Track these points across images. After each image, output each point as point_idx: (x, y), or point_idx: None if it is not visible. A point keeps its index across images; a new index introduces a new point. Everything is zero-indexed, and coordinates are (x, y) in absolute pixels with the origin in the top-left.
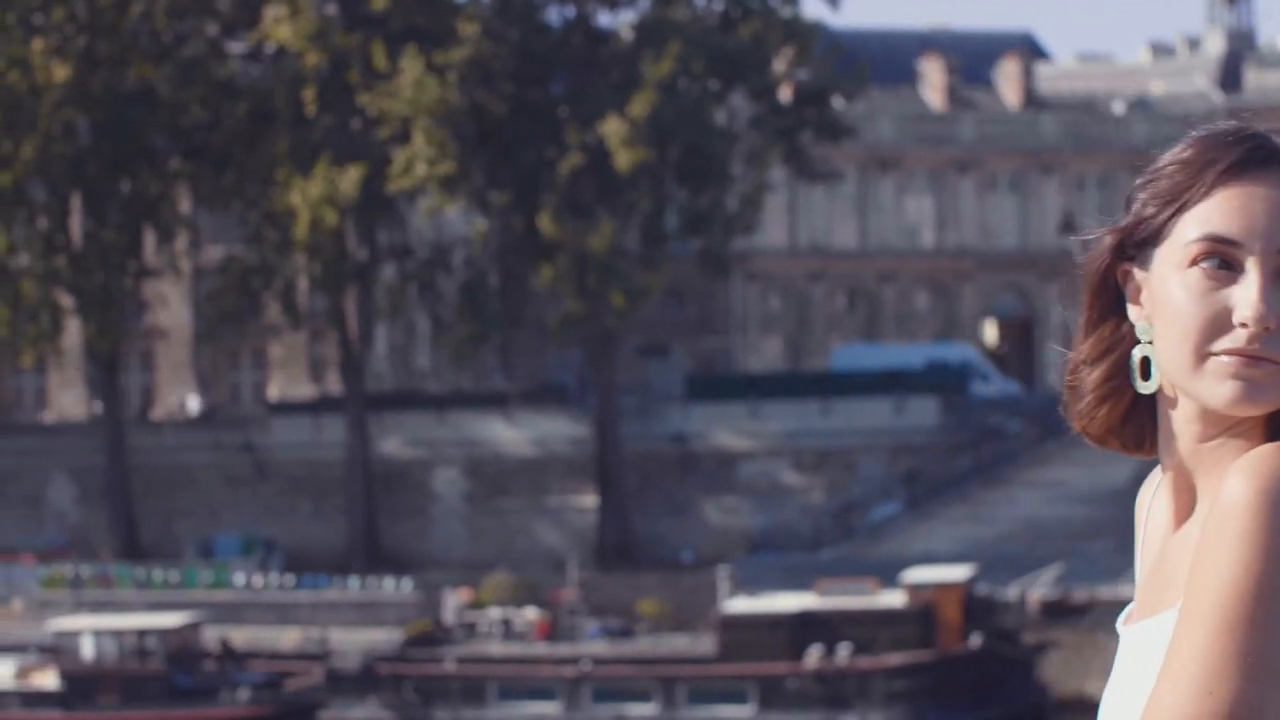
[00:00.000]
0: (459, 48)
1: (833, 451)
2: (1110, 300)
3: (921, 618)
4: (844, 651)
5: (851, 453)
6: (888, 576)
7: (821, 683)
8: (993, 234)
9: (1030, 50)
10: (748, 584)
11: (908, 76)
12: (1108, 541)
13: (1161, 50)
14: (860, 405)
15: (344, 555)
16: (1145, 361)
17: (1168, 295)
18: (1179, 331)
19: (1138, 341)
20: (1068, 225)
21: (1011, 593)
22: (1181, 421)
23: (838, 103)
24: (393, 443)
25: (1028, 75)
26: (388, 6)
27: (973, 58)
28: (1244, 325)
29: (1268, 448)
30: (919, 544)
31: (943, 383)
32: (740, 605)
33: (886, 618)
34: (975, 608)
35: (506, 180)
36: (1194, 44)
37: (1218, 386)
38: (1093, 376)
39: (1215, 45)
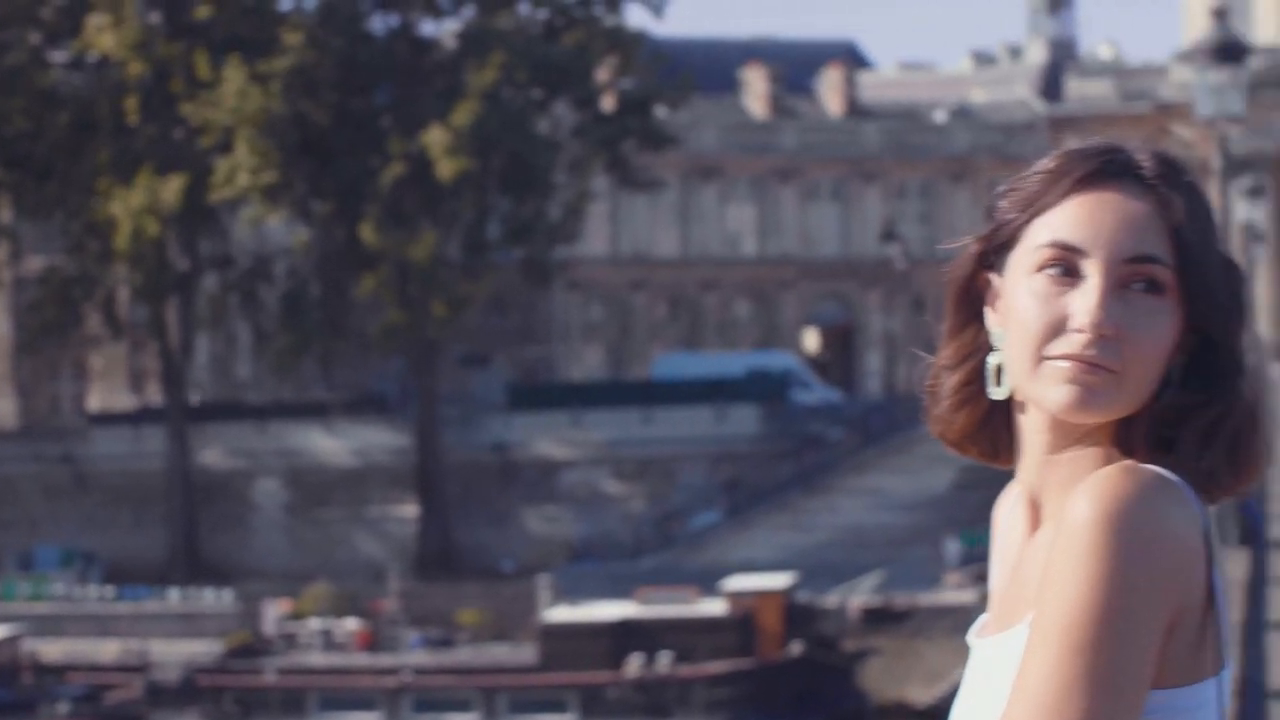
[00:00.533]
0: (282, 57)
1: (654, 460)
2: (972, 307)
3: (742, 626)
4: (665, 660)
5: (672, 461)
6: (708, 585)
7: (642, 691)
8: (814, 242)
9: (852, 59)
10: (568, 593)
11: (730, 85)
12: (927, 548)
13: (983, 59)
14: (681, 414)
15: (164, 566)
16: (1000, 368)
17: (1016, 299)
18: (1022, 335)
19: (994, 349)
20: (889, 233)
21: (832, 600)
22: (1032, 431)
23: (660, 111)
24: (213, 453)
25: (850, 84)
26: (211, 16)
27: (795, 66)
28: (1080, 331)
29: (1113, 469)
30: (739, 552)
31: (764, 391)
32: (561, 614)
33: (707, 626)
34: (796, 615)
35: (329, 190)
36: (1015, 53)
37: (1053, 390)
38: (951, 382)
39: (1037, 54)
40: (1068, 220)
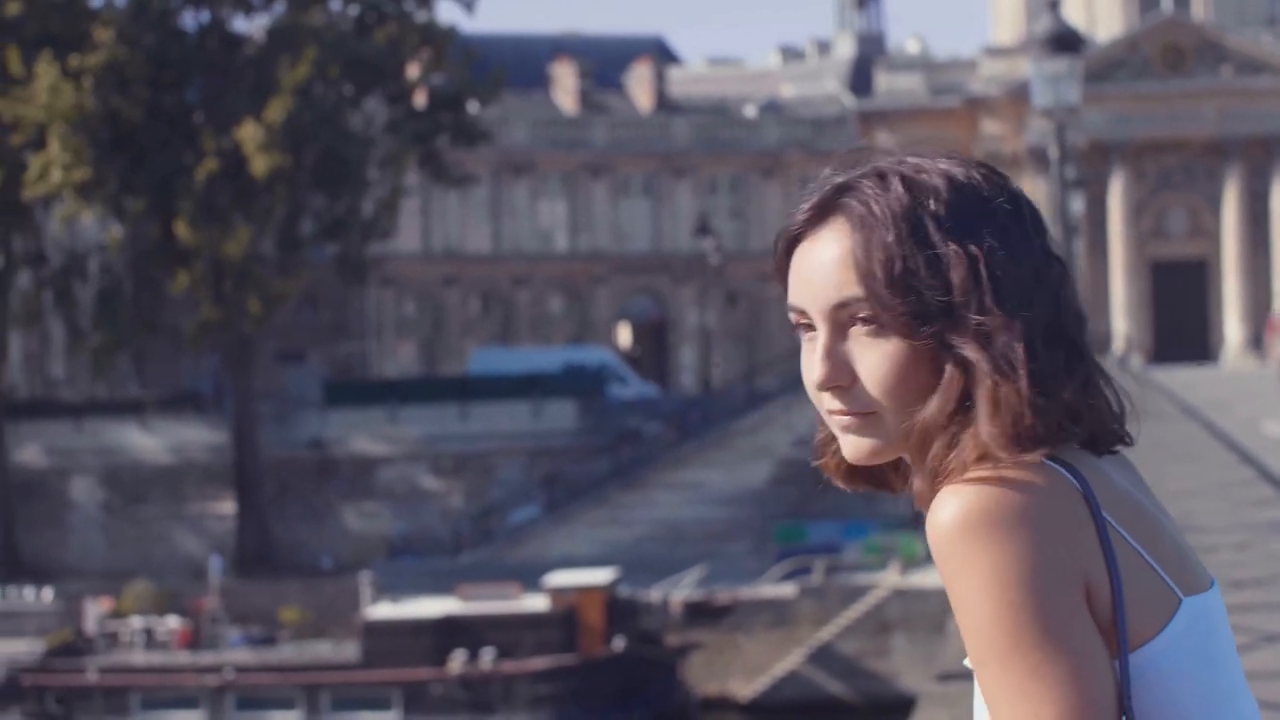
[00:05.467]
0: (94, 53)
1: (471, 455)
2: None
3: (564, 621)
4: (487, 656)
5: (490, 456)
6: (528, 580)
7: (466, 688)
8: (625, 237)
9: (661, 54)
10: (388, 589)
11: (540, 81)
12: (746, 543)
13: (791, 54)
14: (498, 409)
15: None
16: None
17: None
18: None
19: None
20: (702, 228)
21: (654, 595)
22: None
23: (472, 107)
24: (29, 452)
25: (659, 79)
26: (22, 12)
27: (604, 62)
28: (821, 388)
29: (962, 483)
30: (559, 547)
31: (580, 386)
32: (383, 611)
33: (530, 622)
34: (618, 611)
35: (142, 186)
36: (824, 48)
37: (841, 442)
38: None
39: (845, 49)
40: (791, 280)
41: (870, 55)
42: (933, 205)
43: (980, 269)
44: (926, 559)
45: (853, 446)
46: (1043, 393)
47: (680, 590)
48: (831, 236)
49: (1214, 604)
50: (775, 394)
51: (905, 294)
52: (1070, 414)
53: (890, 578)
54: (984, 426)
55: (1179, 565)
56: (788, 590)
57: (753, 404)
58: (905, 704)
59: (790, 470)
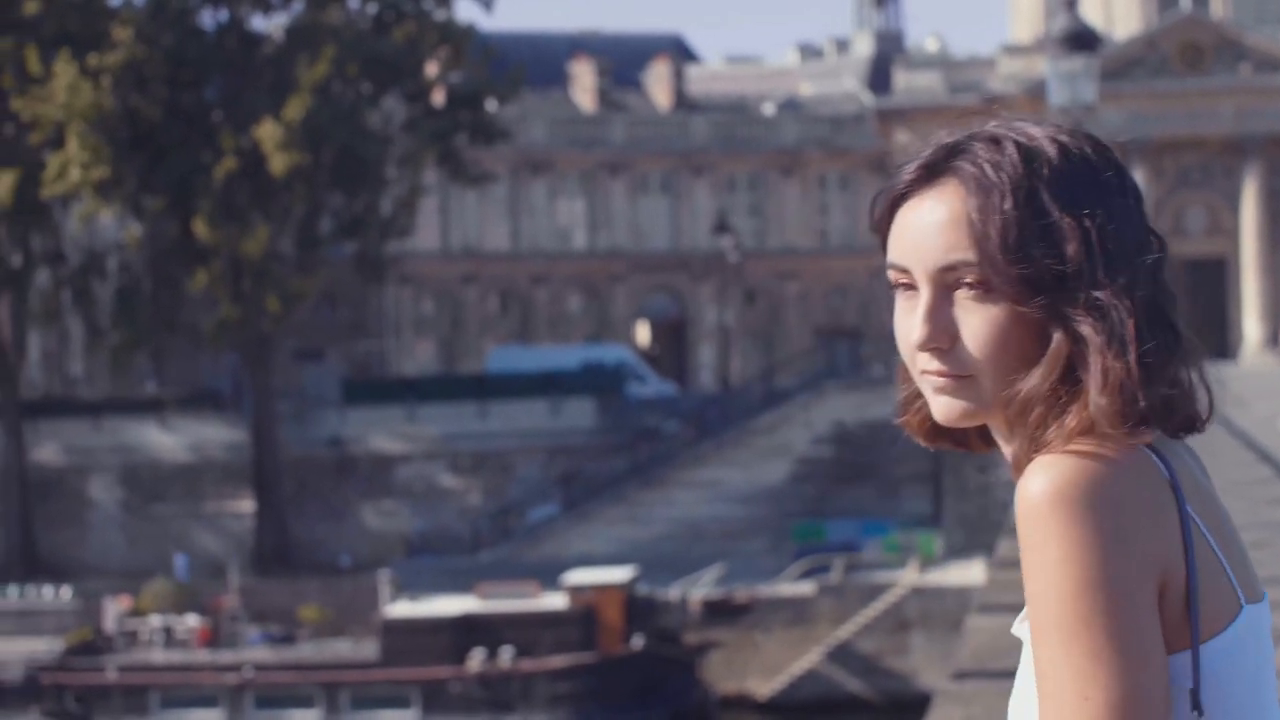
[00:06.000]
0: (113, 52)
1: (490, 454)
2: None
3: (583, 620)
4: (506, 654)
5: (509, 454)
6: (547, 578)
7: (485, 686)
8: (644, 235)
9: (680, 52)
10: (407, 587)
11: (558, 79)
12: (764, 541)
13: (810, 52)
14: (517, 407)
15: (0, 564)
16: None
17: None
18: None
19: None
20: (721, 226)
21: (673, 593)
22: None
23: (491, 105)
24: (48, 450)
25: (678, 77)
26: (41, 11)
27: (623, 60)
28: (920, 348)
29: (1060, 455)
30: (577, 545)
31: (599, 384)
32: (402, 609)
33: (548, 620)
34: (637, 609)
35: (161, 185)
36: (843, 46)
37: (930, 402)
38: (911, 386)
39: (864, 47)
40: (894, 239)
41: (889, 53)
42: (1046, 173)
43: (1092, 241)
44: (944, 558)
45: (945, 408)
46: (1149, 371)
47: (699, 589)
48: (941, 197)
49: (1264, 617)
50: (794, 392)
51: (1020, 261)
52: (1172, 393)
53: (909, 576)
54: (1093, 400)
55: (1242, 570)
56: (806, 589)
57: (771, 402)
58: (924, 702)
59: (808, 468)
